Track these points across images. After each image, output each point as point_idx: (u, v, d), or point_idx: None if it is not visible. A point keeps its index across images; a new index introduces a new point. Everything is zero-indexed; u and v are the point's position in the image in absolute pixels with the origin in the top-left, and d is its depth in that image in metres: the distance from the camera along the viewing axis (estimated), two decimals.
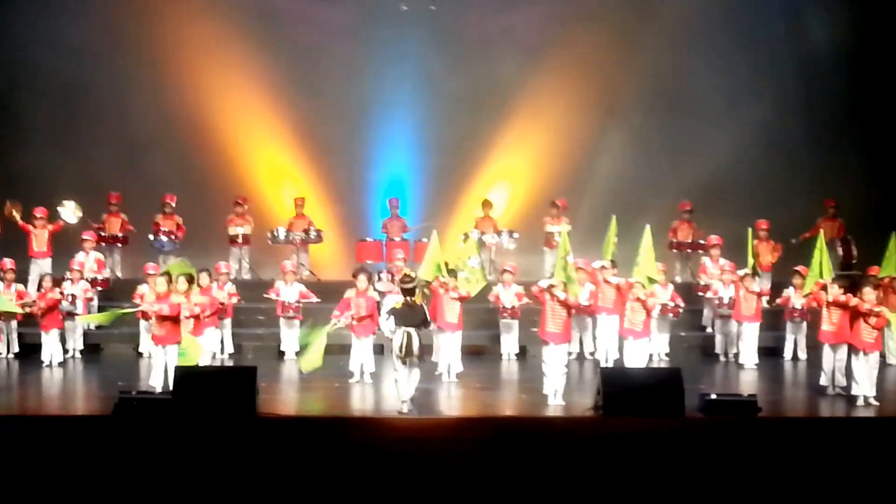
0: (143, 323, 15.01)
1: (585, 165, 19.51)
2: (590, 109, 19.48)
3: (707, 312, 16.62)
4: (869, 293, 12.64)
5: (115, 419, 11.02)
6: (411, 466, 10.55)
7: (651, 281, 13.63)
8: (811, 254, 13.63)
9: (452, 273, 14.18)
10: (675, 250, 17.98)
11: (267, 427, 11.02)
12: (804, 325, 15.38)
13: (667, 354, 15.48)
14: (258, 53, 19.23)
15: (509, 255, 17.62)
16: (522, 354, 15.69)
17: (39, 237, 16.50)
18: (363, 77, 19.70)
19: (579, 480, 10.58)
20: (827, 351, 13.05)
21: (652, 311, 13.68)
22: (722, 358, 15.73)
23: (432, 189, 19.78)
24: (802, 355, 15.52)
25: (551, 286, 12.48)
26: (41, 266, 16.30)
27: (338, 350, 14.46)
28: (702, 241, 17.44)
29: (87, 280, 15.61)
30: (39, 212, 16.57)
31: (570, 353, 14.10)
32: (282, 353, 15.51)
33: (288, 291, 15.49)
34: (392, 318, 11.79)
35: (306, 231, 18.15)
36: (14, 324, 15.17)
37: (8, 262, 15.06)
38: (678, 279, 17.63)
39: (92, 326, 15.86)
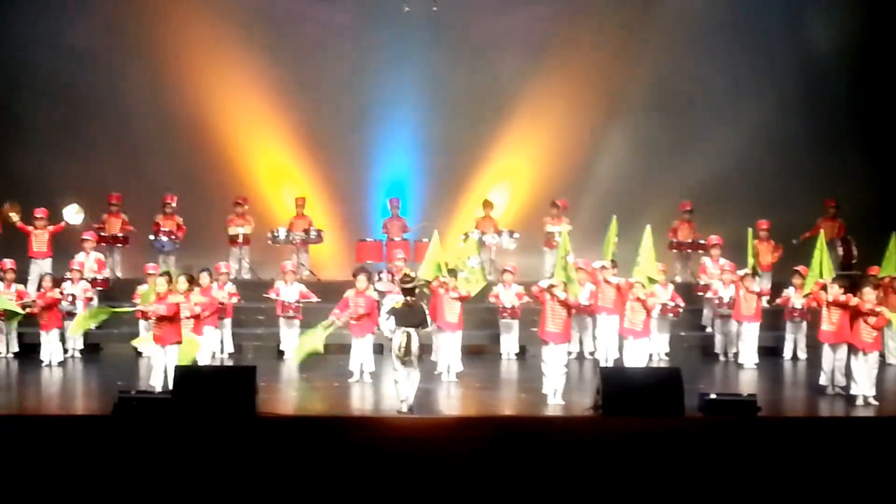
0: (142, 323, 15.01)
1: (585, 165, 19.52)
2: (590, 109, 19.46)
3: (707, 312, 16.62)
4: (869, 293, 12.65)
5: (114, 419, 11.01)
6: (411, 466, 10.54)
7: (651, 281, 13.64)
8: (811, 254, 13.66)
9: (452, 273, 14.19)
10: (675, 250, 17.96)
11: (266, 427, 11.02)
12: (804, 324, 15.38)
13: (667, 354, 15.48)
14: (259, 53, 19.23)
15: (509, 255, 17.63)
16: (522, 354, 15.69)
17: (39, 237, 16.49)
18: (363, 77, 19.69)
19: (579, 480, 10.58)
20: (827, 351, 13.05)
21: (652, 310, 13.68)
22: (722, 358, 15.73)
23: (432, 189, 19.77)
24: (802, 355, 15.52)
25: (551, 286, 12.48)
26: (41, 266, 16.30)
27: (338, 350, 14.51)
28: (702, 241, 17.43)
29: (87, 280, 15.63)
30: (39, 212, 16.56)
31: (569, 353, 14.10)
32: (281, 353, 15.50)
33: (288, 291, 15.49)
34: (392, 318, 11.77)
35: (306, 231, 18.15)
36: (14, 323, 15.16)
37: (8, 262, 15.08)
38: (678, 279, 17.62)
39: (92, 327, 15.83)
